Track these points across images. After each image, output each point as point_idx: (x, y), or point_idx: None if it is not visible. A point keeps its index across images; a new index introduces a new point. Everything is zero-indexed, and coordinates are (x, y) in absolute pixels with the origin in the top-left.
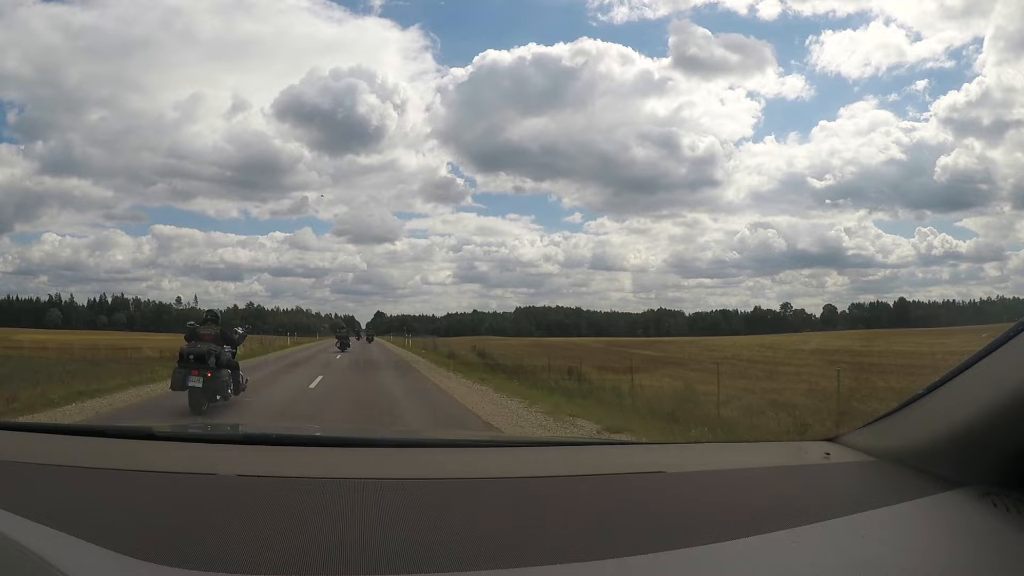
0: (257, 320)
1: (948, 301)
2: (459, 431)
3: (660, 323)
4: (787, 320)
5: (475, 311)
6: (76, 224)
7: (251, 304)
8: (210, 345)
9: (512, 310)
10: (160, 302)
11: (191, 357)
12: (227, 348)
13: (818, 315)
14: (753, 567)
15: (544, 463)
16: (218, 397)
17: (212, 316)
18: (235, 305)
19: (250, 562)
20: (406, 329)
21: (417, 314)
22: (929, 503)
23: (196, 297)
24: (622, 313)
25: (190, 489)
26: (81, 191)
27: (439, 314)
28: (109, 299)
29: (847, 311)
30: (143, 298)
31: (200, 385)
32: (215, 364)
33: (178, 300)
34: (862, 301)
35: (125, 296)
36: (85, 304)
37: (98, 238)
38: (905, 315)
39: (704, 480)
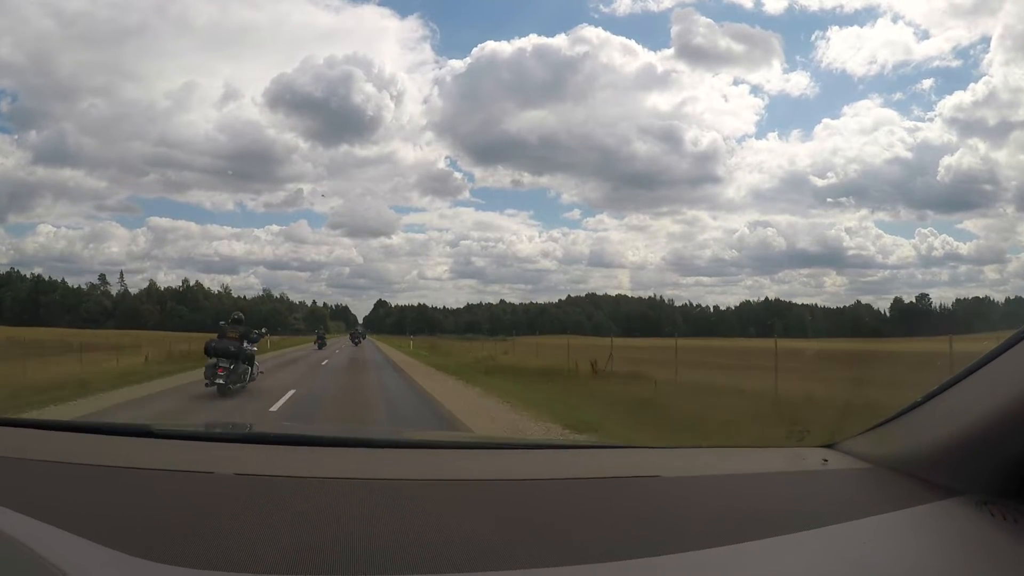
0: (185, 304)
1: None
2: (456, 433)
3: (784, 317)
4: (934, 314)
5: (501, 300)
6: (71, 215)
7: (185, 282)
8: (233, 343)
9: (560, 299)
10: (41, 276)
11: (217, 355)
12: (247, 345)
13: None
14: (749, 573)
15: (541, 466)
16: (238, 384)
17: (237, 319)
18: (152, 281)
19: (247, 561)
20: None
21: (431, 305)
22: (926, 511)
23: (122, 274)
24: (723, 310)
25: (188, 487)
26: (75, 182)
27: (451, 306)
28: None
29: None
30: (26, 272)
31: (223, 381)
32: (236, 359)
33: (102, 278)
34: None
35: None
36: None
37: (93, 230)
38: None
39: (701, 485)
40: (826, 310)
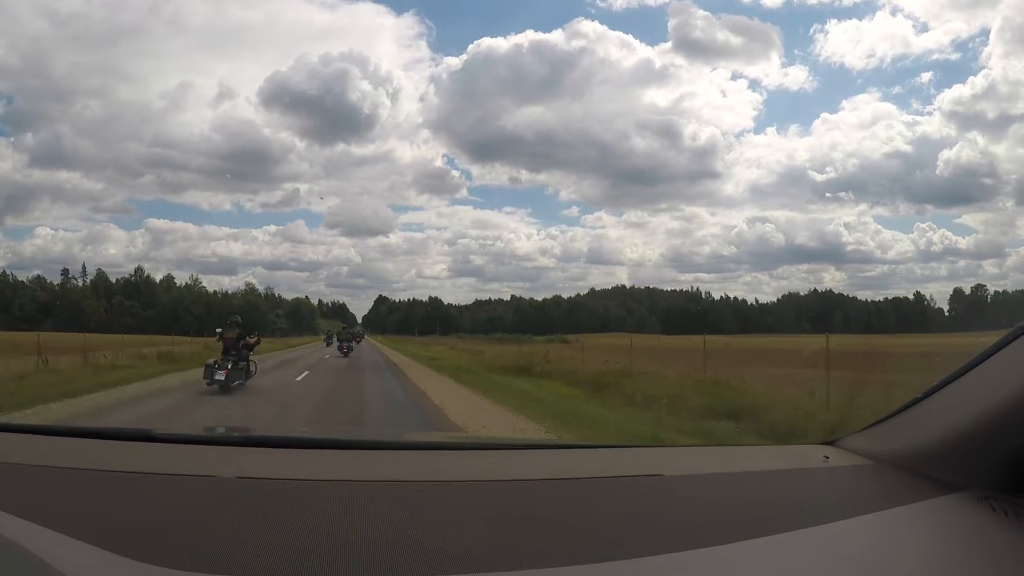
0: (136, 299)
1: None
2: (458, 434)
3: (843, 310)
4: (989, 305)
5: (513, 296)
6: (68, 218)
7: (139, 270)
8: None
9: (580, 292)
10: None
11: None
12: (243, 347)
13: None
14: (751, 570)
15: (543, 466)
16: (237, 382)
17: (234, 322)
18: (100, 270)
19: (250, 564)
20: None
21: (448, 302)
22: (927, 507)
23: (84, 267)
24: (764, 304)
25: (190, 491)
26: (72, 184)
27: (458, 301)
28: None
29: None
30: None
31: (223, 378)
32: (235, 359)
33: (65, 272)
34: None
35: None
36: None
37: (91, 232)
38: None
39: (702, 483)
40: (880, 303)
